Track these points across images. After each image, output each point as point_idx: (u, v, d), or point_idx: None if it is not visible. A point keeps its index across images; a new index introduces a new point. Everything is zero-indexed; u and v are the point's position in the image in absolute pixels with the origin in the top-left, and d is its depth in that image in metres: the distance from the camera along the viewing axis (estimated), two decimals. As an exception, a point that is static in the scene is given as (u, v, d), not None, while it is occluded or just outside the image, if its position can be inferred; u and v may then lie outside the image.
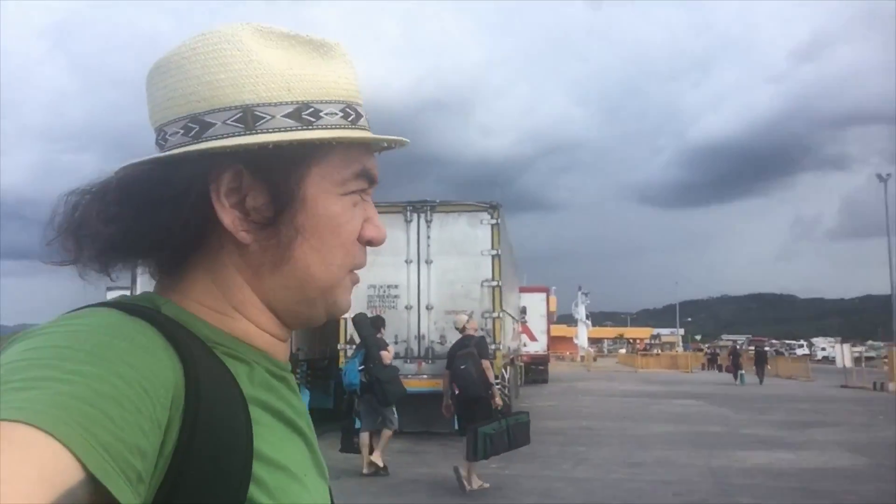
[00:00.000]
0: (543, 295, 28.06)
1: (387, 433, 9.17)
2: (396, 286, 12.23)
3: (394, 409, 9.32)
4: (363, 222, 0.80)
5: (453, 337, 12.02)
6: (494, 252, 12.10)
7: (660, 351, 68.72)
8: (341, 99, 0.78)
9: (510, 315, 15.97)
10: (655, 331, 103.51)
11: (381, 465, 9.02)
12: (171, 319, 0.69)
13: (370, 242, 0.81)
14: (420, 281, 12.24)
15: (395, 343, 12.17)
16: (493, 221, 12.17)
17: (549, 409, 18.04)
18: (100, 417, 0.52)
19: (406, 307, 12.20)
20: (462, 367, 8.41)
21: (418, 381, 12.01)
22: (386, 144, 0.83)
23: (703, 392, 24.84)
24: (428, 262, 12.24)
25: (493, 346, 11.87)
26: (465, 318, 9.41)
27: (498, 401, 8.61)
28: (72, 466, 0.48)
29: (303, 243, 0.75)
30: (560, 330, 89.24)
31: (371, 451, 9.06)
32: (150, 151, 0.76)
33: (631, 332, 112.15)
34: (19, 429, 0.47)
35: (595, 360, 71.87)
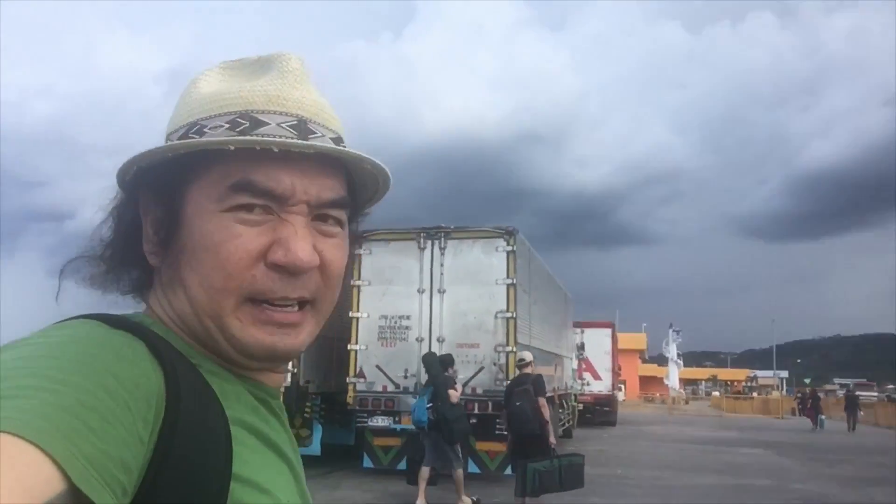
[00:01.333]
0: (608, 331, 26.85)
1: (459, 474, 9.27)
2: (408, 317, 11.75)
3: (458, 447, 9.42)
4: (272, 243, 0.72)
5: (465, 371, 11.45)
6: (510, 281, 11.43)
7: (756, 394, 64.85)
8: (237, 110, 0.75)
9: (550, 351, 15.18)
10: (753, 372, 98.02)
11: (472, 500, 9.28)
12: (157, 336, 0.68)
13: (277, 266, 0.72)
14: (433, 312, 11.71)
15: (405, 377, 11.67)
16: (509, 248, 11.52)
17: (596, 453, 16.95)
18: (85, 430, 0.52)
19: (417, 339, 11.67)
20: (518, 403, 8.49)
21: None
22: (276, 149, 0.72)
23: (778, 440, 22.97)
24: (441, 291, 11.70)
25: (506, 383, 11.18)
26: (529, 356, 9.59)
27: (552, 439, 8.59)
28: (55, 478, 0.48)
29: (186, 264, 0.73)
30: (650, 369, 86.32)
31: (427, 484, 9.30)
32: None
33: (726, 373, 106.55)
34: (3, 438, 0.48)
35: (686, 402, 68.71)
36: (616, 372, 29.31)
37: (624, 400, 64.99)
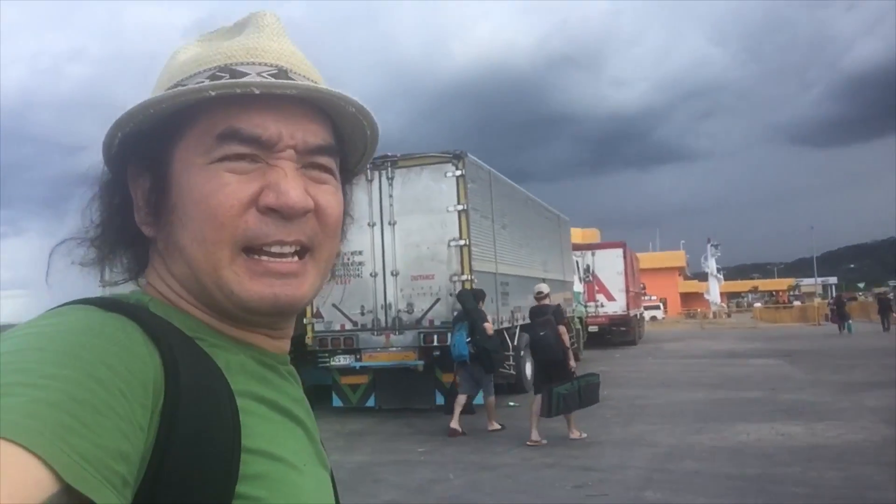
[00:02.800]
0: (619, 251, 26.13)
1: (491, 401, 9.92)
2: (360, 252, 11.31)
3: (491, 377, 9.98)
4: (262, 189, 0.71)
5: (421, 304, 11.04)
6: (461, 207, 10.88)
7: (799, 303, 63.33)
8: (215, 65, 0.74)
9: (533, 276, 14.66)
10: (796, 281, 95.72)
11: (499, 426, 9.76)
12: (154, 315, 0.67)
13: (271, 209, 0.70)
14: (384, 245, 11.26)
15: (363, 314, 11.33)
16: (459, 173, 10.93)
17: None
18: (76, 425, 0.51)
19: (371, 274, 11.27)
20: (542, 333, 9.08)
21: (387, 354, 11.13)
22: (256, 90, 0.70)
23: (798, 348, 22.27)
24: (391, 223, 11.22)
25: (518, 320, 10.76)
26: (546, 288, 10.12)
27: (572, 363, 9.18)
28: (46, 479, 0.47)
29: (179, 224, 0.72)
30: (692, 286, 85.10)
31: (463, 412, 9.78)
32: None
33: (768, 283, 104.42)
34: None
35: (729, 315, 67.78)
36: (637, 292, 28.73)
37: (664, 318, 64.70)
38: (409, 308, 11.11)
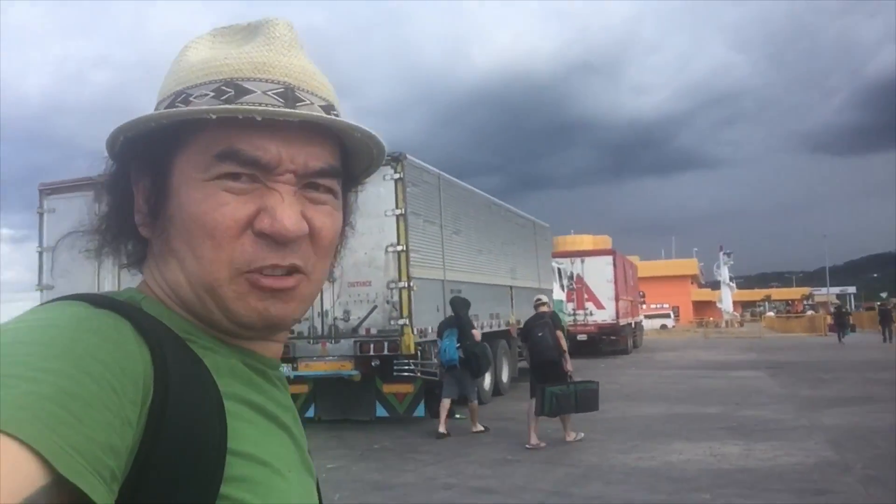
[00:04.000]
0: (609, 258, 25.57)
1: (474, 405, 10.32)
2: (298, 257, 10.91)
3: (476, 382, 10.44)
4: (259, 211, 0.70)
5: (358, 312, 10.62)
6: (399, 211, 10.45)
7: (812, 312, 62.06)
8: (223, 78, 0.73)
9: (494, 283, 14.21)
10: (811, 290, 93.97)
11: (482, 428, 10.21)
12: (145, 314, 0.68)
13: (265, 234, 0.70)
14: (322, 250, 10.85)
15: (299, 322, 10.87)
16: (397, 176, 10.49)
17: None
18: (68, 418, 0.51)
19: (308, 280, 10.86)
20: (539, 334, 9.38)
21: (323, 363, 10.71)
22: (258, 117, 0.69)
23: (787, 360, 21.60)
24: (329, 228, 10.81)
25: (401, 322, 10.34)
26: (544, 298, 10.74)
27: (569, 367, 9.40)
28: (37, 469, 0.48)
29: (176, 234, 0.72)
30: (703, 294, 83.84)
31: (448, 416, 10.19)
32: None
33: (781, 293, 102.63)
34: None
35: (741, 324, 66.57)
36: (631, 300, 28.09)
37: (674, 326, 63.68)
38: (346, 316, 10.69)
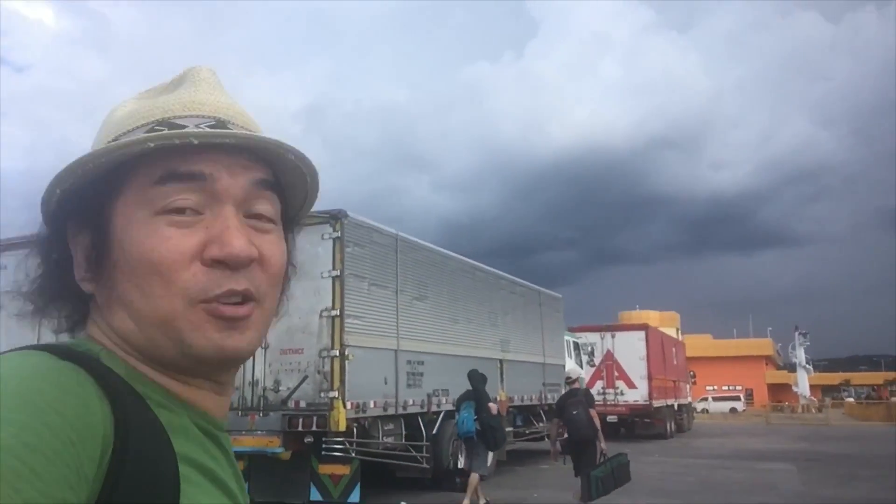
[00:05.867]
0: (641, 334, 23.92)
1: (475, 478, 10.15)
2: (233, 321, 10.17)
3: (488, 456, 10.63)
4: (206, 242, 0.70)
5: (288, 382, 9.71)
6: (336, 273, 9.61)
7: (897, 399, 57.21)
8: (153, 119, 0.74)
9: (478, 356, 13.11)
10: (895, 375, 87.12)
11: (485, 501, 10.21)
12: (106, 367, 0.66)
13: (217, 261, 0.70)
14: (257, 313, 10.08)
15: (250, 356, 10.04)
16: (336, 235, 9.70)
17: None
18: (25, 472, 0.50)
19: (242, 346, 10.07)
20: (574, 412, 9.37)
21: (252, 438, 9.73)
22: (182, 140, 0.70)
23: (835, 451, 19.33)
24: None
25: (331, 395, 9.37)
26: (576, 371, 11.48)
27: (603, 445, 9.46)
28: None
29: (122, 278, 0.71)
30: (780, 376, 79.04)
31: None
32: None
33: (864, 377, 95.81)
34: None
35: (819, 409, 62.06)
36: (672, 380, 26.15)
37: (744, 410, 59.85)
38: (276, 386, 9.79)
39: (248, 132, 0.74)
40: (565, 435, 9.68)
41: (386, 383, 10.40)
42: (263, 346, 9.91)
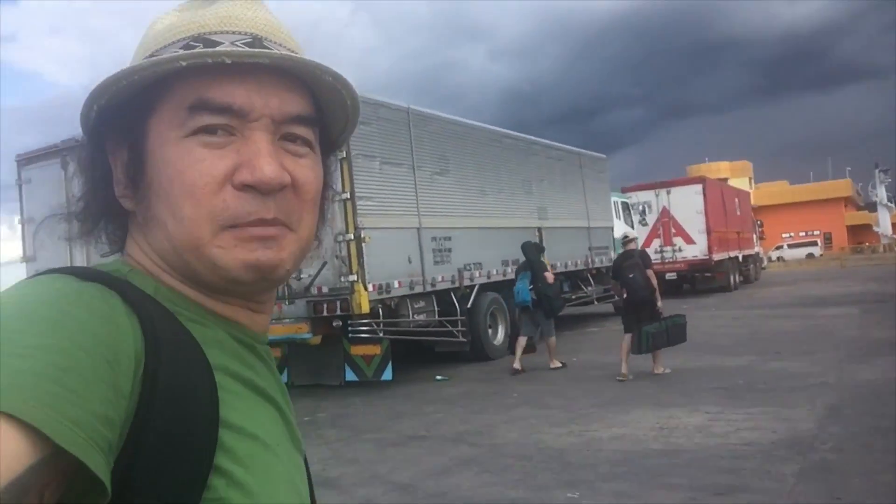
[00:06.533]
0: (698, 187, 22.99)
1: (552, 341, 10.72)
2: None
3: (552, 320, 10.76)
4: (237, 165, 0.69)
5: (309, 269, 9.65)
6: (342, 155, 9.26)
7: None
8: (189, 35, 0.72)
9: (514, 226, 12.82)
10: None
11: (560, 364, 10.57)
12: (133, 286, 0.67)
13: (247, 186, 0.68)
14: (272, 203, 9.94)
15: (289, 277, 10.08)
16: (338, 116, 9.33)
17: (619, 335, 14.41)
18: (64, 392, 0.51)
19: (261, 237, 10.02)
20: (630, 275, 9.50)
21: (282, 326, 9.84)
22: (229, 60, 0.67)
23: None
24: (277, 178, 9.86)
25: (351, 279, 9.29)
26: (632, 232, 11.48)
27: (660, 304, 9.64)
28: (29, 447, 0.48)
29: (156, 199, 0.71)
30: (859, 217, 76.00)
31: (524, 352, 10.61)
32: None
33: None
34: None
35: (899, 248, 59.77)
36: (734, 232, 25.35)
37: (821, 255, 58.21)
38: (298, 274, 9.77)
39: (284, 52, 0.71)
40: (625, 295, 9.80)
41: (410, 262, 10.26)
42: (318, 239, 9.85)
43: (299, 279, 9.76)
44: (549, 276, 10.72)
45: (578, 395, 8.59)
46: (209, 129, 0.69)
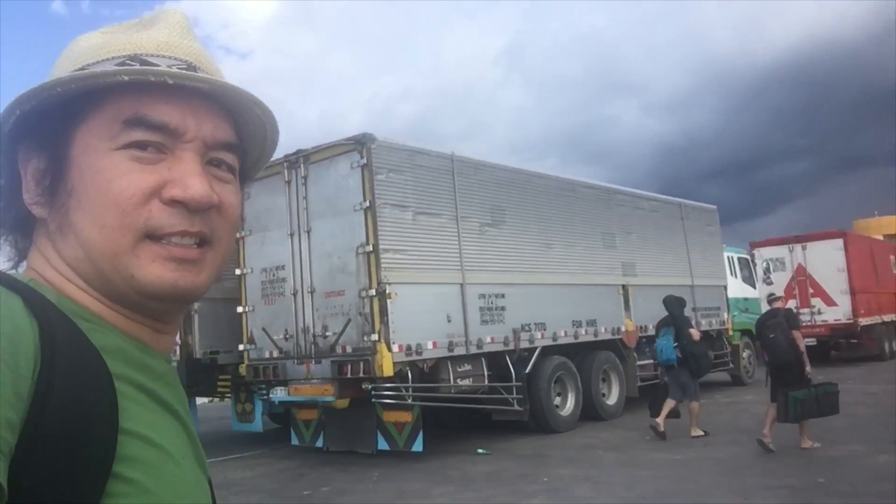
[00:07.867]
0: (838, 242, 20.34)
1: (695, 406, 9.88)
2: (283, 267, 9.70)
3: (696, 383, 10.02)
4: (166, 181, 0.70)
5: (334, 327, 9.01)
6: (366, 204, 8.66)
7: None
8: (124, 54, 0.73)
9: (584, 283, 11.62)
10: None
11: (703, 432, 9.71)
12: (34, 291, 0.66)
13: (176, 202, 0.70)
14: (302, 257, 9.46)
15: (286, 339, 9.59)
16: (362, 162, 8.74)
17: (724, 405, 12.65)
18: None
19: (292, 293, 9.56)
20: (771, 335, 8.88)
21: (309, 387, 9.23)
22: (157, 78, 0.70)
23: None
24: (307, 230, 9.39)
25: (373, 338, 8.52)
26: (777, 293, 10.64)
27: (808, 369, 8.85)
28: None
29: (76, 207, 0.70)
30: None
31: (668, 416, 9.77)
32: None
33: None
34: None
35: None
36: (854, 294, 22.25)
37: None
38: (324, 331, 9.15)
39: (219, 80, 0.73)
40: (766, 358, 9.20)
41: (450, 321, 9.33)
42: (311, 290, 9.30)
43: (325, 337, 9.13)
44: (695, 333, 10.04)
45: (620, 482, 7.24)
46: (140, 145, 0.69)
